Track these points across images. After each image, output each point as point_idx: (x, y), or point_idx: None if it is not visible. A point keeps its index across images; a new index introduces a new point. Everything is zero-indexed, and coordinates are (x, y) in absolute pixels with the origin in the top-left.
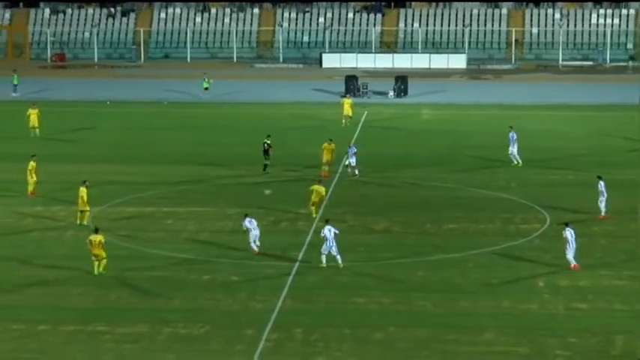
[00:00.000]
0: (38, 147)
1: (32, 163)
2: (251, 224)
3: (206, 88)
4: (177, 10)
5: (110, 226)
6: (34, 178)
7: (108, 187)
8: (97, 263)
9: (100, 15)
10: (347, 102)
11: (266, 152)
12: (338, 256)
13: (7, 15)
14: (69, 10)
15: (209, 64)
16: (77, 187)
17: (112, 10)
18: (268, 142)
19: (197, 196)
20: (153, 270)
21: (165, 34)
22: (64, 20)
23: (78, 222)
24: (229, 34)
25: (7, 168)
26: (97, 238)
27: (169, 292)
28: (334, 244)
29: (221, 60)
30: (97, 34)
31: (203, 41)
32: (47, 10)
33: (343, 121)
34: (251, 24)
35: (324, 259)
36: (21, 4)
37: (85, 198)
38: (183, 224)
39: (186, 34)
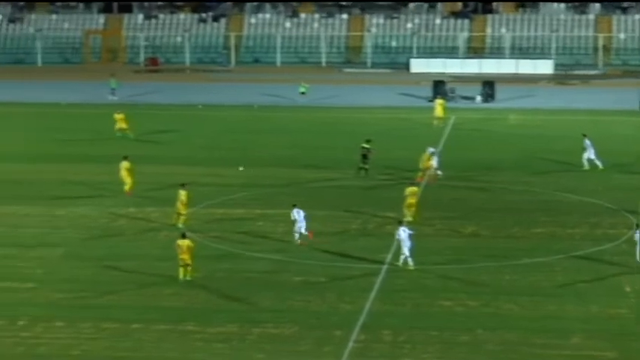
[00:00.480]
0: (132, 149)
1: (126, 163)
2: (298, 215)
3: (303, 93)
4: (268, 16)
5: (202, 227)
6: (131, 178)
7: (200, 188)
8: (182, 269)
9: (192, 20)
10: (440, 104)
11: (364, 157)
12: (409, 258)
13: (102, 20)
14: (162, 15)
15: (298, 69)
16: (170, 189)
17: (204, 15)
18: (367, 146)
19: (288, 199)
20: (243, 271)
21: (255, 38)
22: (156, 25)
23: (173, 222)
24: (318, 39)
25: (102, 170)
26: (185, 242)
27: (259, 293)
28: (409, 244)
29: (310, 65)
30: (189, 39)
31: (293, 46)
32: (140, 16)
33: (434, 122)
34: (340, 29)
35: (410, 261)
36: (115, 9)
37: (185, 201)
38: (274, 226)
39: (276, 39)
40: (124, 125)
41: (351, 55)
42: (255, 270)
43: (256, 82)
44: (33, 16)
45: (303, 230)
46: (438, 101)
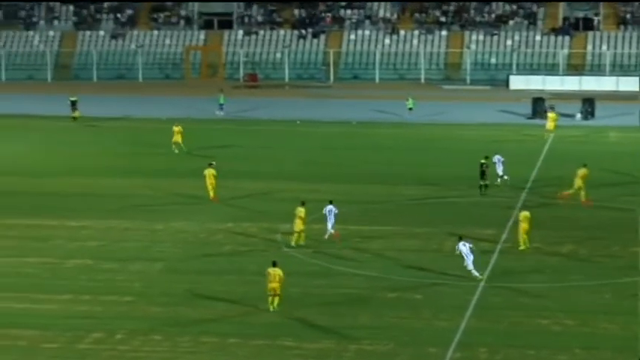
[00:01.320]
0: (229, 164)
1: (212, 170)
2: (330, 213)
3: (410, 109)
4: (367, 32)
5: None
6: (214, 184)
7: (297, 204)
8: (271, 299)
9: (292, 36)
10: (551, 117)
11: (483, 173)
12: (473, 271)
13: (202, 36)
14: (261, 32)
15: (397, 85)
16: (266, 204)
17: (304, 31)
18: (485, 162)
19: (384, 215)
20: (339, 287)
21: (354, 55)
22: (256, 41)
23: (293, 243)
24: (418, 55)
25: (201, 184)
26: (277, 271)
27: (355, 309)
28: (471, 257)
29: (409, 81)
30: (289, 55)
31: (391, 62)
32: (240, 32)
33: (545, 135)
34: (439, 46)
35: (475, 272)
36: (215, 25)
37: (304, 217)
38: (370, 242)
39: (375, 55)
40: (179, 139)
41: (450, 71)
42: (351, 286)
43: (355, 99)
44: (135, 32)
45: (330, 228)
46: (551, 115)
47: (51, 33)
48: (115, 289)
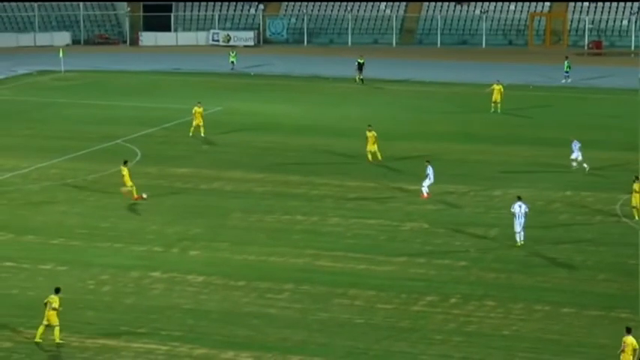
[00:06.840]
0: (578, 132)
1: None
2: (430, 172)
3: None
4: None
5: None
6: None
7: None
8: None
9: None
10: None
11: None
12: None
13: (547, 2)
14: None
15: None
16: (614, 173)
17: None
18: None
19: None
20: None
21: None
22: (602, 8)
23: (637, 217)
24: None
25: (540, 152)
26: (630, 340)
27: None
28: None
29: None
30: (635, 22)
31: None
32: None
33: None
34: None
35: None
36: None
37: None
38: None
39: None
40: (497, 97)
41: None
42: None
43: None
44: None
45: (429, 183)
46: None
47: None
48: (449, 253)
